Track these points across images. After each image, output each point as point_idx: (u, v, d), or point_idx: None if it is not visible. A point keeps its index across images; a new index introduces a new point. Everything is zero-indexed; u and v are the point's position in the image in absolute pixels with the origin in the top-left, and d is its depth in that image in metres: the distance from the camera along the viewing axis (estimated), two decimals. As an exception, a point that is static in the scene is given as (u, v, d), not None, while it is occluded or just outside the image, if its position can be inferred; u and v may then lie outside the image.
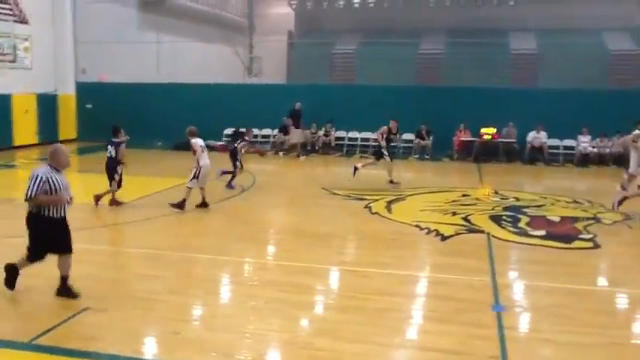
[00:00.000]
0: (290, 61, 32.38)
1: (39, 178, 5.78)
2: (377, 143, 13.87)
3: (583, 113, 17.93)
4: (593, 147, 18.02)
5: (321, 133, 19.83)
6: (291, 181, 14.94)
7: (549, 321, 5.98)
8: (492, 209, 10.95)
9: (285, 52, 32.43)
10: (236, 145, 12.77)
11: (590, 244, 8.78)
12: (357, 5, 32.98)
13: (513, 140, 18.41)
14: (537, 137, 18.22)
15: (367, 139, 19.38)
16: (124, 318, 5.72)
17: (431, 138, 18.83)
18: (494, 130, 18.37)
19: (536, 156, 18.07)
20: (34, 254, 6.03)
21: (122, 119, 13.13)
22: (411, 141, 19.24)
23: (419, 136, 19.03)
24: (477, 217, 10.19)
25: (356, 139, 19.98)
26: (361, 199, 11.68)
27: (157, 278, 6.96)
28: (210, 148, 11.28)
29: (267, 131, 20.45)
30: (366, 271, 7.36)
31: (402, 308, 6.21)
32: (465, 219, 10.05)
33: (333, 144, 19.77)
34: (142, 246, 8.44)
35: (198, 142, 10.48)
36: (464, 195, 12.34)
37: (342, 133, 20.08)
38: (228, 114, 19.84)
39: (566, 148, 18.48)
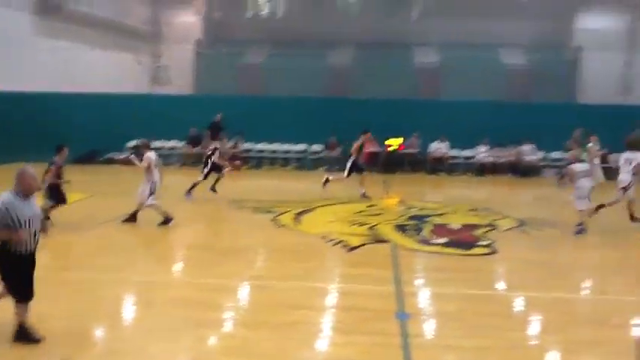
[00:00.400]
0: (198, 70, 31.84)
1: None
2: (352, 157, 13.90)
3: (482, 124, 18.89)
4: (490, 156, 19.03)
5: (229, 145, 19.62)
6: (198, 195, 14.59)
7: (452, 326, 6.20)
8: (398, 219, 11.26)
9: (192, 62, 31.85)
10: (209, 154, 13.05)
11: (489, 250, 9.22)
12: (265, 16, 33.01)
13: (416, 150, 19.08)
14: (439, 148, 18.98)
15: (275, 151, 19.43)
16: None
17: (340, 149, 19.12)
18: (401, 141, 18.95)
19: (438, 166, 18.81)
20: (21, 293, 5.24)
21: (15, 131, 12.36)
22: (320, 152, 19.46)
23: (328, 147, 19.28)
24: (383, 227, 10.44)
25: (265, 151, 19.93)
26: (269, 212, 11.65)
27: (49, 300, 6.57)
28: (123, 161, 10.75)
29: (173, 143, 19.98)
30: (274, 285, 7.33)
31: (310, 321, 6.23)
32: (372, 229, 10.27)
33: (241, 156, 19.60)
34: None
35: (151, 156, 10.14)
36: (371, 205, 12.62)
37: (250, 145, 19.97)
38: (132, 125, 19.14)
39: (466, 158, 19.38)
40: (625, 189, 10.82)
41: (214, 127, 18.98)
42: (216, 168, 13.20)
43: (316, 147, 19.45)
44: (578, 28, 32.74)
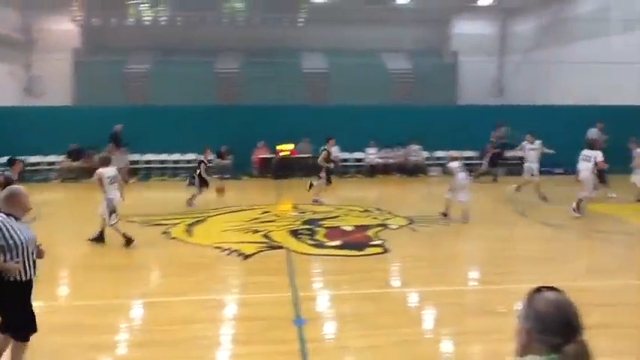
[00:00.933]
0: (77, 80, 30.18)
1: None
2: (323, 165, 14.02)
3: (370, 127, 19.42)
4: (380, 158, 19.60)
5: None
6: (79, 210, 13.77)
7: (349, 327, 6.25)
8: (291, 224, 11.25)
9: (70, 72, 30.16)
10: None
11: (381, 250, 9.42)
12: (148, 22, 31.95)
13: (308, 155, 19.22)
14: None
15: (164, 162, 18.82)
16: None
17: (230, 157, 18.86)
18: (292, 147, 19.02)
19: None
20: (23, 328, 4.66)
21: None
22: (210, 161, 19.06)
23: (219, 156, 18.95)
24: (277, 233, 10.37)
25: (153, 162, 19.23)
26: (159, 225, 11.22)
27: None
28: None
29: (53, 157, 18.76)
30: (167, 301, 7.04)
31: (207, 335, 6.02)
32: (266, 236, 10.17)
33: (128, 169, 18.76)
34: None
35: (106, 172, 9.43)
36: (264, 212, 12.52)
37: (138, 157, 19.19)
38: (3, 139, 17.75)
39: (356, 160, 19.83)
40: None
41: (116, 137, 18.14)
42: (204, 182, 13.38)
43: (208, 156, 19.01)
44: (455, 34, 34.64)
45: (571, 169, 13.97)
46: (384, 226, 11.13)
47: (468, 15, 33.81)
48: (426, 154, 19.98)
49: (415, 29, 34.13)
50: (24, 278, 4.63)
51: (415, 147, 19.67)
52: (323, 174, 13.96)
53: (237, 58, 32.11)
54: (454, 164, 11.80)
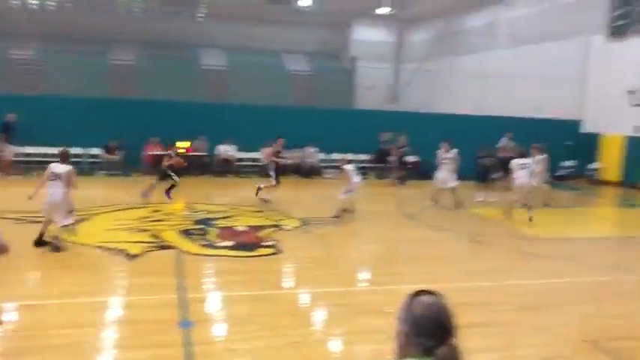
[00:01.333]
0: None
1: None
2: (273, 163, 14.06)
3: (267, 128, 19.33)
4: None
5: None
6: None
7: (239, 330, 6.16)
8: (183, 223, 10.95)
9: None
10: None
11: (273, 250, 9.39)
12: (35, 7, 29.95)
13: (204, 154, 18.88)
14: (227, 150, 19.03)
15: (46, 155, 17.69)
16: None
17: (121, 153, 18.08)
18: (188, 144, 18.57)
19: (226, 168, 18.83)
20: None
21: None
22: (97, 156, 18.23)
23: (108, 151, 18.12)
24: (167, 233, 10.06)
25: (33, 155, 17.96)
26: (37, 222, 10.49)
27: None
28: None
29: None
30: (45, 304, 6.60)
31: (87, 340, 5.68)
32: (155, 235, 9.83)
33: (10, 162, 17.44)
34: None
35: (50, 167, 8.72)
36: (155, 211, 12.10)
37: (17, 149, 17.88)
38: None
39: (253, 160, 19.70)
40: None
41: (7, 127, 16.73)
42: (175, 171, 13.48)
43: (95, 150, 18.16)
44: (354, 39, 35.42)
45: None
46: (278, 227, 11.13)
47: (367, 22, 34.68)
48: (322, 156, 20.23)
49: (316, 32, 34.54)
50: None
51: (312, 149, 19.87)
52: (272, 173, 13.91)
53: (133, 50, 30.91)
54: (349, 167, 12.12)
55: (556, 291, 8.11)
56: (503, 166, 15.07)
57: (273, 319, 6.46)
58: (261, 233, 10.51)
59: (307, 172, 19.62)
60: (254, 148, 19.63)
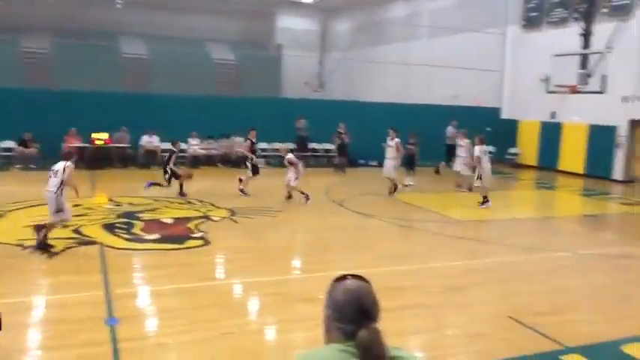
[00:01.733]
0: None
1: None
2: (247, 156, 14.08)
3: (192, 118, 18.97)
4: (202, 149, 19.25)
5: None
6: None
7: (168, 324, 6.01)
8: (106, 217, 10.56)
9: None
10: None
11: (202, 242, 9.22)
12: None
13: (127, 145, 18.28)
14: (150, 141, 18.50)
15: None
16: None
17: (36, 146, 17.19)
18: (107, 136, 17.92)
19: (150, 160, 18.31)
20: None
21: None
22: (11, 149, 17.27)
23: (22, 144, 17.19)
24: (89, 228, 9.66)
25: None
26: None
27: None
28: None
29: None
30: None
31: (8, 343, 5.34)
32: (76, 231, 9.41)
33: None
34: None
35: None
36: (75, 205, 11.56)
37: None
38: None
39: (181, 151, 19.21)
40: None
41: None
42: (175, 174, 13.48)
43: (8, 143, 17.19)
44: (280, 28, 35.24)
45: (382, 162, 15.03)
46: (206, 218, 10.94)
47: (291, 10, 34.57)
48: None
49: (240, 20, 34.11)
50: None
51: (239, 138, 19.62)
52: (249, 164, 13.95)
53: (47, 37, 29.40)
54: (291, 155, 13.09)
55: (480, 271, 8.42)
56: (451, 153, 16.57)
57: (204, 311, 6.35)
58: (190, 225, 10.29)
59: (236, 161, 19.36)
60: (179, 139, 19.15)
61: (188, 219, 10.75)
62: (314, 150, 20.89)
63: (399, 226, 11.45)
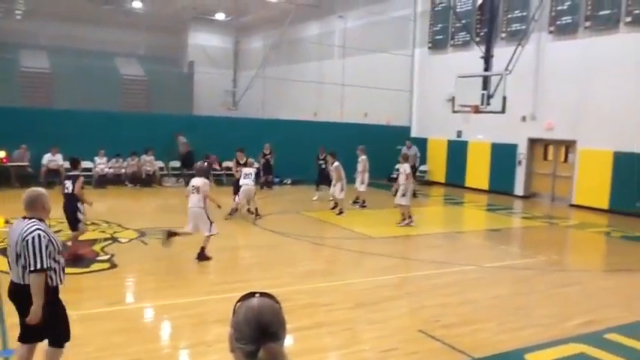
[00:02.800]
0: None
1: (45, 240, 4.31)
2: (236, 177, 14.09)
3: (99, 135, 18.23)
4: (110, 168, 18.52)
5: None
6: None
7: (74, 352, 5.62)
8: (2, 241, 9.89)
9: None
10: None
11: (109, 265, 8.84)
12: None
13: (26, 164, 17.28)
14: (53, 160, 17.58)
15: None
16: None
17: None
18: (4, 154, 16.88)
19: (53, 179, 17.38)
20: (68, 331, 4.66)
21: None
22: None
23: None
24: (-16, 252, 9.01)
25: None
26: None
27: None
28: None
29: None
30: None
31: None
32: (-32, 256, 8.74)
33: None
34: None
35: None
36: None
37: None
38: None
39: (83, 170, 18.36)
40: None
41: None
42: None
43: None
44: (192, 44, 34.80)
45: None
46: (113, 239, 10.50)
47: (204, 27, 34.27)
48: (160, 163, 19.52)
49: (151, 35, 33.37)
50: (59, 283, 4.58)
51: (149, 157, 19.08)
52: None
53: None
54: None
55: (391, 286, 8.58)
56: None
57: (113, 337, 6.05)
58: (96, 247, 9.83)
59: (145, 181, 18.78)
60: (85, 157, 18.34)
61: (94, 241, 10.27)
62: (227, 168, 20.60)
63: (314, 244, 11.49)
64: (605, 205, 17.10)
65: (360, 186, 15.91)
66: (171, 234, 9.42)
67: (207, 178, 9.47)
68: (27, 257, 4.28)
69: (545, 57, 18.89)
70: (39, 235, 4.31)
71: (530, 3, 19.02)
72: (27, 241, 4.29)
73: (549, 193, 19.55)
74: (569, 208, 18.05)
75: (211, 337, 6.14)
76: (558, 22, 18.50)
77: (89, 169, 18.40)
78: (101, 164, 18.37)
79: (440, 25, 23.08)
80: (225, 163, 20.61)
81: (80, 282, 8.07)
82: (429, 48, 23.59)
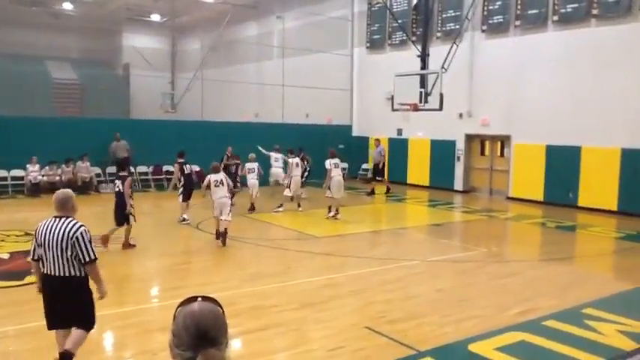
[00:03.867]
0: None
1: (88, 234, 5.00)
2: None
3: (30, 141, 17.51)
4: (43, 175, 17.82)
5: None
6: None
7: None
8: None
9: None
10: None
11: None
12: None
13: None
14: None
15: None
16: None
17: None
18: None
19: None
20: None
21: None
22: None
23: None
24: None
25: None
26: None
27: None
28: None
29: None
30: None
31: None
32: None
33: None
34: None
35: None
36: None
37: None
38: None
39: (14, 178, 17.67)
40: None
41: None
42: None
43: None
44: (127, 46, 33.93)
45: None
46: (49, 249, 10.08)
47: (139, 28, 33.50)
48: (96, 169, 18.92)
49: (83, 38, 32.37)
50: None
51: (84, 163, 18.47)
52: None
53: None
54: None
55: (337, 285, 8.63)
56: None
57: (51, 352, 5.79)
58: (29, 259, 9.40)
59: (81, 188, 18.15)
60: (16, 165, 17.62)
61: (27, 253, 9.82)
62: (168, 172, 20.22)
63: (257, 246, 11.41)
64: (540, 197, 17.77)
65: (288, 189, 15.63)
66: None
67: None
68: (80, 251, 4.92)
69: (479, 55, 19.45)
70: (85, 231, 4.99)
71: (464, 3, 19.54)
72: (77, 237, 4.92)
73: (487, 187, 20.14)
74: (507, 200, 18.65)
75: (156, 345, 6.00)
76: (490, 21, 19.10)
77: (21, 178, 17.69)
78: (34, 172, 17.63)
79: (377, 25, 23.38)
80: (166, 167, 20.25)
81: (15, 295, 7.73)
82: (368, 47, 23.87)
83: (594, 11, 16.35)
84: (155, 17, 32.33)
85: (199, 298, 1.89)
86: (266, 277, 8.97)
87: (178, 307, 1.87)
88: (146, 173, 19.41)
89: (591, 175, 16.43)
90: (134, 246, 10.60)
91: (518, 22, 18.32)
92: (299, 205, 15.40)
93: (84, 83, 31.07)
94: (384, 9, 22.30)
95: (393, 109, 17.07)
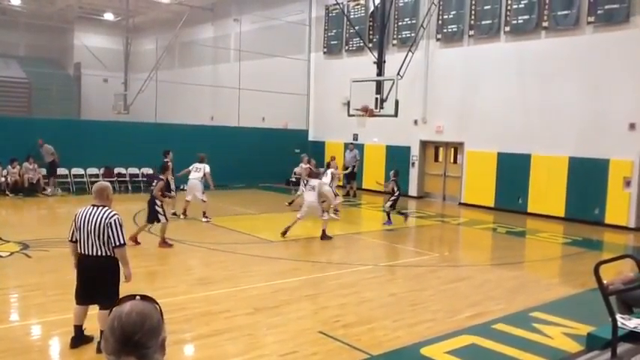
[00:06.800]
0: None
1: (120, 221, 5.74)
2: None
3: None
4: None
5: None
6: None
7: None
8: None
9: None
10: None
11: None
12: None
13: None
14: None
15: None
16: None
17: None
18: None
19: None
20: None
21: None
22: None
23: None
24: None
25: None
26: None
27: None
28: None
29: None
30: None
31: None
32: None
33: None
34: None
35: None
36: None
37: None
38: None
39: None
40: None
41: None
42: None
43: None
44: (78, 46, 33.07)
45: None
46: (-7, 253, 9.71)
47: (91, 27, 32.72)
48: (43, 171, 18.31)
49: (32, 35, 31.41)
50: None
51: (31, 164, 17.85)
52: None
53: None
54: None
55: (290, 289, 8.56)
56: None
57: (-4, 360, 5.57)
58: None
59: (28, 190, 17.54)
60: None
61: (-31, 256, 9.43)
62: (119, 175, 19.82)
63: (209, 250, 11.24)
64: (491, 203, 18.15)
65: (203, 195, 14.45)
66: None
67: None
68: (111, 235, 5.63)
69: (434, 63, 19.77)
70: (118, 219, 5.71)
71: (419, 11, 19.84)
72: (110, 223, 5.64)
73: (440, 192, 20.45)
74: (459, 206, 18.98)
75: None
76: (445, 30, 19.44)
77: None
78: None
79: (334, 31, 23.49)
80: (117, 169, 19.81)
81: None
82: (325, 53, 23.95)
83: (544, 23, 16.86)
84: (108, 16, 31.63)
85: (137, 297, 1.76)
86: (218, 282, 8.84)
87: (114, 306, 1.74)
88: (97, 175, 18.89)
89: (540, 183, 16.90)
90: (171, 245, 10.98)
91: (472, 32, 18.71)
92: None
93: (32, 82, 30.11)
94: (341, 15, 22.42)
95: (349, 115, 17.15)
